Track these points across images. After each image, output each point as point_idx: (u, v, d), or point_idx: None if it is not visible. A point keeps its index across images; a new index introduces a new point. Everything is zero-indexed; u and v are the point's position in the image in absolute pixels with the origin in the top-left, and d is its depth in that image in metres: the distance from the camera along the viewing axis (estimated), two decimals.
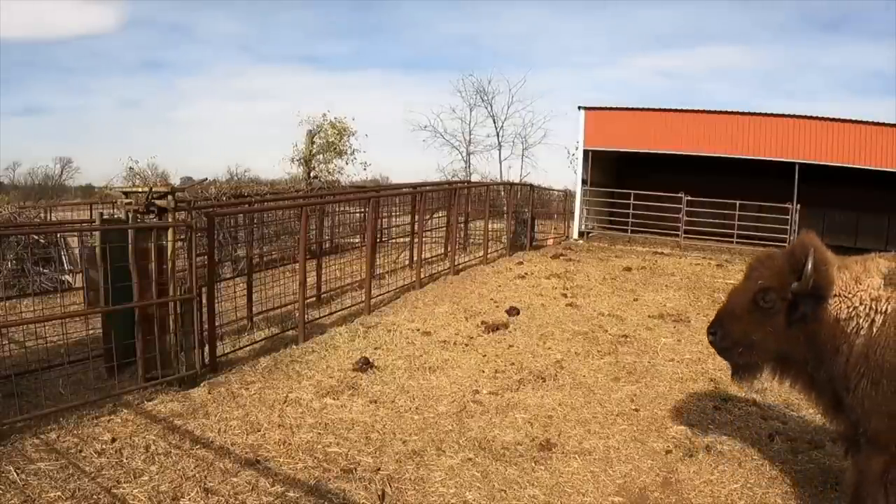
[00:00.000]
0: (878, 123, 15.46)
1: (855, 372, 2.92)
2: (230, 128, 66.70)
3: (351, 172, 24.01)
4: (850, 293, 2.99)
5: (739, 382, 3.56)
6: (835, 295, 2.99)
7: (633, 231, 17.92)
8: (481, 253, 12.10)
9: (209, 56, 71.81)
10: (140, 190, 5.12)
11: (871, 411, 2.88)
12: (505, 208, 14.41)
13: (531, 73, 71.39)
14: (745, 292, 3.21)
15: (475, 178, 27.63)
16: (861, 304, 2.96)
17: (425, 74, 75.67)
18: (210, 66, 70.68)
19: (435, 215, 12.81)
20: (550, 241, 16.69)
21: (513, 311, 7.89)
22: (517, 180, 26.05)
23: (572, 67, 61.20)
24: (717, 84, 58.94)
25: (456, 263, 10.81)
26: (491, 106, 30.38)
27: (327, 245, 10.67)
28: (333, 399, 4.96)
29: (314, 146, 23.16)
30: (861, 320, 2.94)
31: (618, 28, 63.73)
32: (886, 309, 2.88)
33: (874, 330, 2.88)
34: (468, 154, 30.37)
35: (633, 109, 18.66)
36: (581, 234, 18.20)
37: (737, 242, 16.62)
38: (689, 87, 57.30)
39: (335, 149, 23.28)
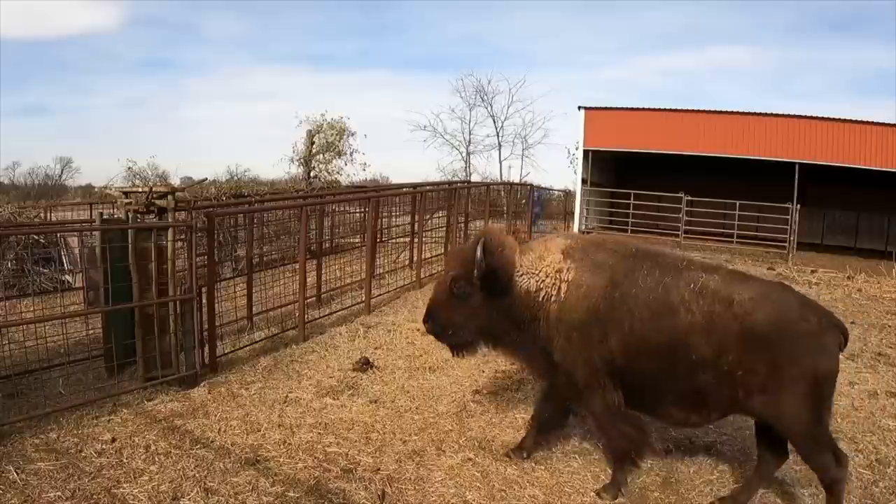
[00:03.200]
0: (878, 123, 15.47)
1: (555, 331, 3.47)
2: (231, 128, 66.64)
3: (350, 172, 24.03)
4: (536, 269, 3.53)
5: (458, 356, 4.00)
6: (522, 273, 3.53)
7: (633, 231, 17.92)
8: None
9: (211, 56, 71.73)
10: (140, 190, 5.12)
11: (574, 362, 3.46)
12: (505, 208, 14.41)
13: (534, 72, 71.20)
14: (444, 283, 3.69)
15: (475, 178, 27.66)
16: (547, 276, 3.50)
17: (427, 74, 75.72)
18: (212, 67, 70.66)
19: (435, 215, 12.81)
20: None
21: None
22: (517, 180, 26.05)
23: (576, 67, 61.12)
24: (722, 84, 58.88)
25: None
26: (491, 106, 30.42)
27: (327, 245, 10.66)
28: (333, 399, 4.96)
29: (314, 146, 23.17)
30: (550, 289, 3.48)
31: (622, 28, 63.70)
32: (568, 278, 3.47)
33: (562, 295, 3.46)
34: (468, 154, 30.42)
35: (633, 109, 18.67)
36: (581, 233, 18.21)
37: (737, 242, 16.63)
38: (693, 88, 57.24)
39: (335, 149, 23.29)
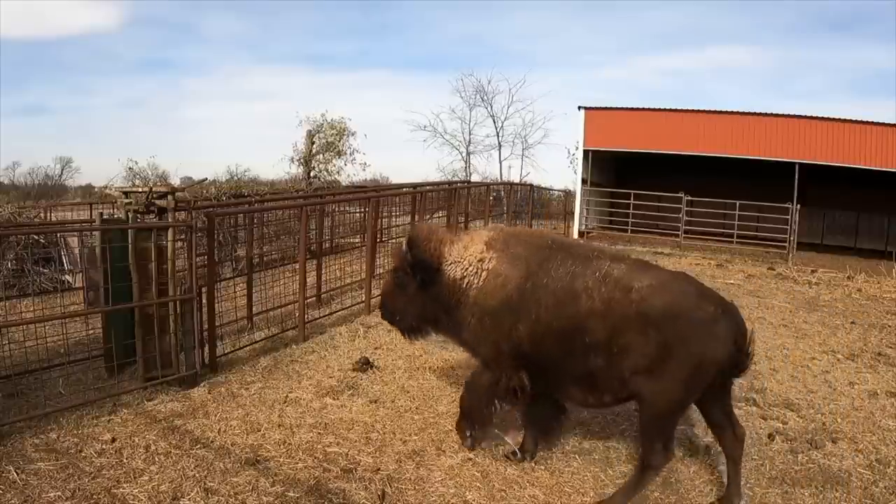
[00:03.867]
0: (878, 123, 15.45)
1: (469, 313, 3.75)
2: (230, 128, 66.52)
3: (351, 172, 24.07)
4: (461, 259, 3.82)
5: (410, 341, 4.44)
6: (450, 263, 3.82)
7: (633, 231, 17.93)
8: None
9: (211, 56, 71.48)
10: (140, 190, 5.11)
11: (481, 342, 3.77)
12: (505, 208, 14.41)
13: (534, 72, 71.06)
14: (389, 275, 4.14)
15: (475, 178, 27.70)
16: (470, 265, 3.79)
17: (427, 74, 75.61)
18: (212, 67, 70.40)
19: (435, 215, 12.81)
20: None
21: None
22: (517, 180, 26.08)
23: (576, 67, 61.04)
24: (722, 84, 58.75)
25: None
26: (491, 106, 30.46)
27: (327, 245, 10.65)
28: (333, 399, 4.96)
29: (314, 146, 23.20)
30: (472, 277, 3.76)
31: (622, 28, 63.56)
32: (489, 266, 3.74)
33: (481, 282, 3.73)
34: (468, 154, 30.45)
35: (633, 109, 18.65)
36: (581, 233, 18.20)
37: (737, 242, 16.62)
38: (693, 88, 57.12)
39: (335, 149, 23.31)
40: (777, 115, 16.46)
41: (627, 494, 3.45)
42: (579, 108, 18.45)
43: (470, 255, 3.80)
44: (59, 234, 9.52)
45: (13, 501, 3.30)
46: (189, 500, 3.42)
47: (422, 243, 3.86)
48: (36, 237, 9.32)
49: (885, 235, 18.01)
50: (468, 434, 4.06)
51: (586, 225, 18.64)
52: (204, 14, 72.02)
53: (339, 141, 23.26)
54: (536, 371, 3.67)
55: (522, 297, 3.59)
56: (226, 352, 5.94)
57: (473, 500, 3.55)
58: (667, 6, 59.30)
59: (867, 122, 15.54)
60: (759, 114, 16.70)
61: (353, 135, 23.45)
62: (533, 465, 3.97)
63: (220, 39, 70.25)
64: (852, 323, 8.39)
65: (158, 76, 71.21)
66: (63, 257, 9.71)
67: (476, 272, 3.75)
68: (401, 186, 14.90)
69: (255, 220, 9.48)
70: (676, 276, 3.59)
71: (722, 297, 3.49)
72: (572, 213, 19.21)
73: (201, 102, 70.01)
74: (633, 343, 3.33)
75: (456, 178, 25.82)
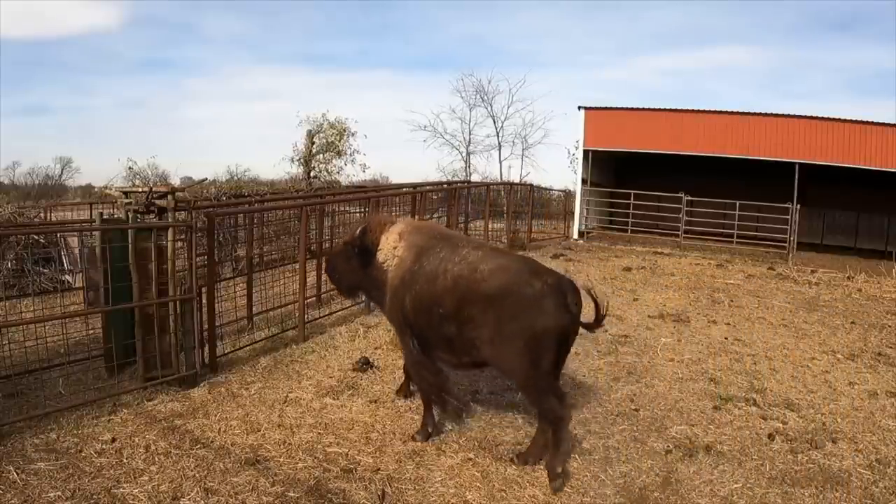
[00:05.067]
0: (878, 123, 15.44)
1: (389, 293, 4.36)
2: (231, 128, 66.42)
3: (350, 173, 24.09)
4: (385, 247, 4.43)
5: (346, 299, 5.56)
6: (380, 249, 4.44)
7: (633, 231, 17.93)
8: None
9: (211, 56, 71.32)
10: (140, 190, 5.11)
11: (392, 316, 4.42)
12: (505, 208, 14.41)
13: (534, 72, 71.06)
14: (341, 243, 4.91)
15: (475, 178, 27.72)
16: (389, 251, 4.41)
17: (427, 74, 75.52)
18: (212, 67, 70.22)
19: (435, 215, 12.80)
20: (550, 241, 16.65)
21: None
22: (517, 180, 26.09)
23: (576, 67, 60.98)
24: (722, 84, 58.68)
25: None
26: (491, 106, 30.50)
27: (327, 245, 10.64)
28: (333, 399, 4.96)
29: (314, 146, 23.22)
30: (390, 262, 4.39)
31: (622, 28, 63.48)
32: (399, 253, 4.37)
33: (394, 266, 4.35)
34: (468, 154, 30.48)
35: (633, 109, 18.65)
36: (581, 233, 18.20)
37: (737, 242, 16.62)
38: (693, 88, 57.06)
39: (335, 149, 23.33)
40: (777, 115, 16.45)
41: (560, 454, 3.74)
42: (579, 108, 18.46)
43: (389, 244, 4.43)
44: (59, 234, 9.51)
45: (13, 501, 3.31)
46: (189, 500, 3.42)
47: (370, 232, 4.49)
48: (36, 237, 9.31)
49: (885, 235, 18.01)
50: (428, 422, 4.41)
51: (586, 225, 18.63)
52: (204, 14, 71.92)
53: (340, 141, 23.30)
54: (419, 337, 4.22)
55: (412, 278, 4.19)
56: (226, 352, 5.94)
57: (473, 500, 3.55)
58: (667, 6, 59.25)
59: (867, 122, 15.53)
60: (759, 114, 16.70)
61: (353, 135, 23.49)
62: (533, 465, 3.97)
63: (220, 39, 70.14)
64: (852, 323, 8.39)
65: (158, 76, 71.09)
66: (63, 257, 9.70)
67: (391, 258, 4.39)
68: (401, 186, 14.88)
69: (255, 220, 9.48)
70: (517, 260, 4.12)
71: (556, 274, 3.90)
72: (572, 213, 19.21)
73: (201, 102, 69.95)
74: (476, 316, 3.84)
75: (456, 178, 25.83)
